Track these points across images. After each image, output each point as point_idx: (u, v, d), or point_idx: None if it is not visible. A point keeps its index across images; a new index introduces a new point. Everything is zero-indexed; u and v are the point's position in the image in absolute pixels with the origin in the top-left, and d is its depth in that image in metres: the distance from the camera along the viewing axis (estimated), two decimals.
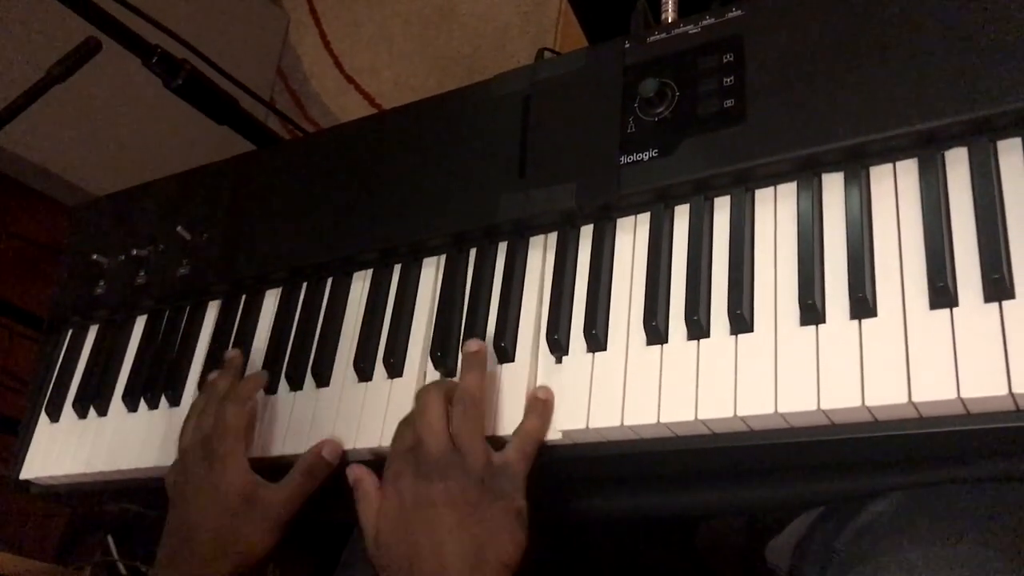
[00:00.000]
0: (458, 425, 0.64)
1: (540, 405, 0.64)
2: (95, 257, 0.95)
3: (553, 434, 0.64)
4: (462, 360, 0.68)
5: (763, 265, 0.61)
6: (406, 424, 0.67)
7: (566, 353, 0.67)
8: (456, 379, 0.69)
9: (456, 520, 0.60)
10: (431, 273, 0.77)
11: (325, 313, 0.80)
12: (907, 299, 0.55)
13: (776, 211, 0.63)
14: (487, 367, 0.67)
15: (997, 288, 0.52)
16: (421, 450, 0.63)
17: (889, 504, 0.59)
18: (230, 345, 0.84)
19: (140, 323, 0.93)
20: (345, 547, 0.82)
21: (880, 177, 0.60)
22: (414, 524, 0.61)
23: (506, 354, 0.69)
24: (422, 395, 0.66)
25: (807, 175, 0.62)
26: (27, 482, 0.92)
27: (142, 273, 0.91)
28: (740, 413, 0.57)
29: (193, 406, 0.78)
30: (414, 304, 0.76)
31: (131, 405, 0.87)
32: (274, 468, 0.74)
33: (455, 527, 0.60)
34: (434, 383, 0.68)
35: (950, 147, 0.58)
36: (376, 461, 0.70)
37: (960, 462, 0.57)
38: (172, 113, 1.18)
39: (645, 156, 0.67)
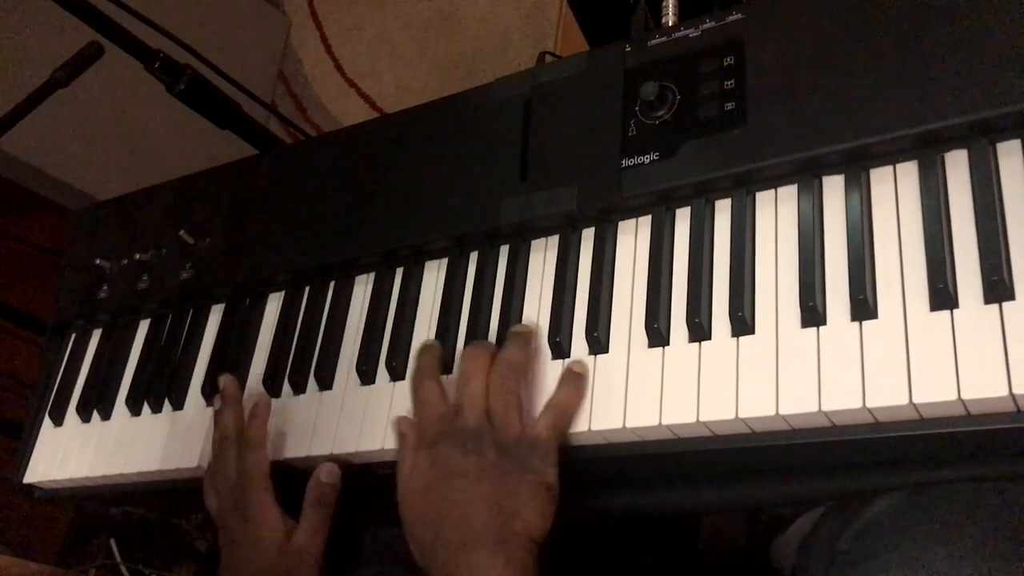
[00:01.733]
0: (495, 395, 0.64)
1: (574, 378, 0.64)
2: (98, 261, 0.95)
3: None
4: (508, 337, 0.68)
5: (764, 267, 0.62)
6: (427, 379, 0.67)
7: (568, 355, 0.67)
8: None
9: (486, 492, 0.61)
10: (433, 276, 0.77)
11: (328, 316, 0.80)
12: (907, 301, 0.56)
13: (777, 213, 0.63)
14: (532, 347, 0.67)
15: (997, 289, 0.52)
16: (460, 419, 0.64)
17: (890, 504, 0.59)
18: (233, 349, 0.84)
19: (143, 327, 0.93)
20: (351, 547, 0.82)
21: (880, 179, 0.61)
22: (445, 492, 0.63)
23: None
24: (468, 359, 0.67)
25: (808, 177, 0.62)
26: (31, 486, 0.92)
27: (145, 277, 0.91)
28: (742, 415, 0.57)
29: (212, 442, 0.78)
30: (416, 307, 0.76)
31: (134, 409, 0.87)
32: (277, 470, 0.74)
33: (484, 498, 0.61)
34: (480, 344, 0.68)
35: (950, 149, 0.58)
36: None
37: (960, 462, 0.57)
38: (174, 117, 1.18)
39: (646, 159, 0.67)
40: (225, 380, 0.78)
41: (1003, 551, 0.53)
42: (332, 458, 0.73)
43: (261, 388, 0.80)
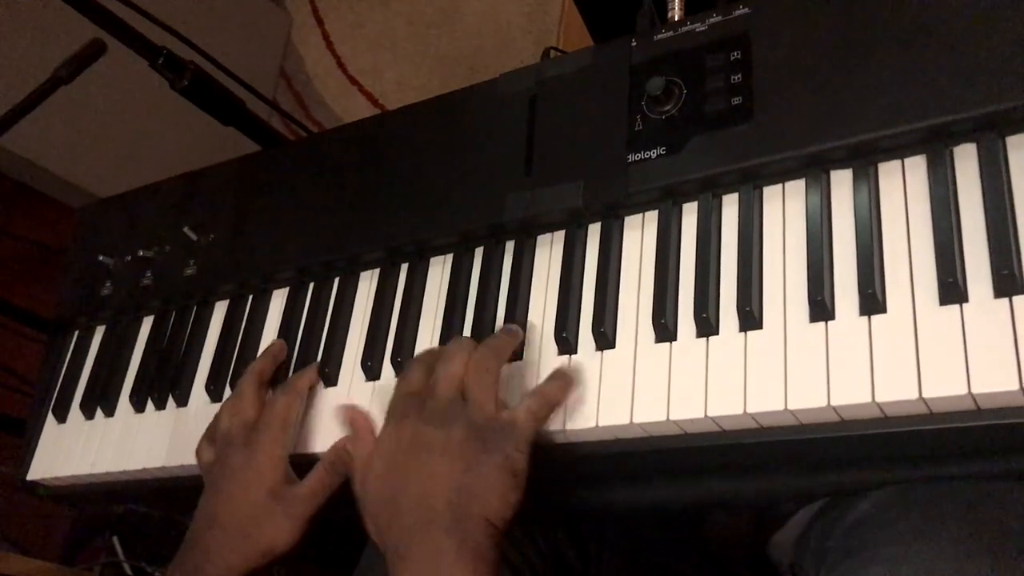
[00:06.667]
0: (471, 374, 0.64)
1: (562, 376, 0.64)
2: (101, 258, 0.95)
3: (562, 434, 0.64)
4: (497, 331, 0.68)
5: (772, 262, 0.61)
6: (418, 365, 0.67)
7: (574, 351, 0.66)
8: None
9: (448, 469, 0.60)
10: (438, 272, 0.77)
11: (332, 313, 0.80)
12: (917, 295, 0.55)
13: (784, 208, 0.63)
14: (517, 344, 0.67)
15: (1007, 283, 0.52)
16: (432, 394, 0.64)
17: (876, 501, 0.60)
18: (237, 346, 0.84)
19: (147, 324, 0.93)
20: (365, 545, 0.82)
21: (888, 173, 0.60)
22: (407, 467, 0.62)
23: (514, 352, 0.68)
24: (451, 344, 0.66)
25: (815, 172, 0.62)
26: (35, 483, 0.92)
27: (148, 274, 0.91)
28: (750, 410, 0.57)
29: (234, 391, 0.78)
30: (421, 303, 0.76)
31: (138, 406, 0.87)
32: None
33: (446, 475, 0.60)
34: (467, 338, 0.68)
35: (959, 143, 0.58)
36: None
37: (965, 459, 0.57)
38: (176, 114, 1.18)
39: (652, 154, 0.67)
40: (276, 341, 0.81)
41: (983, 546, 0.54)
42: None
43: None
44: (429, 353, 0.69)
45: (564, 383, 0.64)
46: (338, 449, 0.71)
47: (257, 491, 0.70)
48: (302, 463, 0.74)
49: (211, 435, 0.77)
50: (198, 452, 0.77)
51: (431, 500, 0.60)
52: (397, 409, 0.65)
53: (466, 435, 0.61)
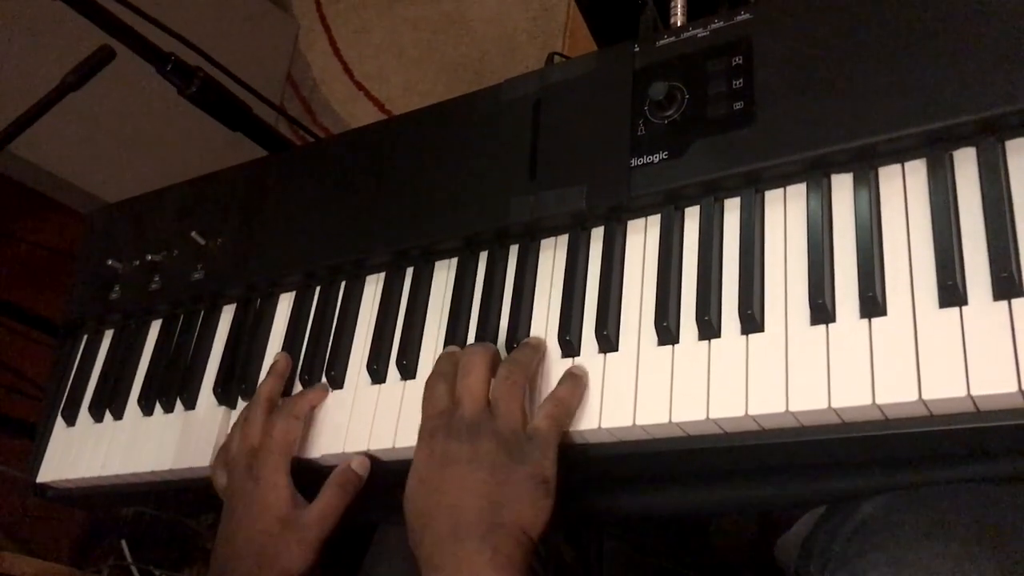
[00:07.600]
0: (498, 386, 0.65)
1: (572, 378, 0.65)
2: (110, 262, 0.96)
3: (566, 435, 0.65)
4: (519, 344, 0.69)
5: (773, 265, 0.62)
6: (440, 380, 0.67)
7: (578, 354, 0.67)
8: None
9: (479, 480, 0.61)
10: (443, 276, 0.77)
11: (338, 316, 0.81)
12: (917, 298, 0.56)
13: (786, 212, 0.63)
14: (540, 356, 0.68)
15: (1006, 286, 0.53)
16: (457, 411, 0.65)
17: (881, 504, 0.60)
18: (244, 349, 0.85)
19: (155, 328, 0.93)
20: (370, 547, 0.82)
21: (889, 177, 0.61)
22: (438, 482, 0.63)
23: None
24: (468, 355, 0.67)
25: (816, 176, 0.63)
26: (44, 486, 0.93)
27: (156, 278, 0.92)
28: (751, 412, 0.57)
29: (241, 413, 0.78)
30: (426, 306, 0.77)
31: (146, 409, 0.88)
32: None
33: (476, 487, 0.61)
34: (480, 344, 0.69)
35: (958, 147, 0.59)
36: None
37: (962, 462, 0.58)
38: (184, 120, 1.19)
39: (655, 158, 0.67)
40: (279, 355, 0.81)
41: (988, 550, 0.54)
42: (343, 457, 0.74)
43: None
44: (449, 359, 0.69)
45: (575, 386, 0.64)
46: (345, 469, 0.72)
47: (266, 520, 0.71)
48: (310, 468, 0.75)
49: (224, 458, 0.77)
50: (213, 477, 0.78)
51: (463, 512, 0.60)
52: (426, 427, 0.66)
53: (495, 447, 0.62)
